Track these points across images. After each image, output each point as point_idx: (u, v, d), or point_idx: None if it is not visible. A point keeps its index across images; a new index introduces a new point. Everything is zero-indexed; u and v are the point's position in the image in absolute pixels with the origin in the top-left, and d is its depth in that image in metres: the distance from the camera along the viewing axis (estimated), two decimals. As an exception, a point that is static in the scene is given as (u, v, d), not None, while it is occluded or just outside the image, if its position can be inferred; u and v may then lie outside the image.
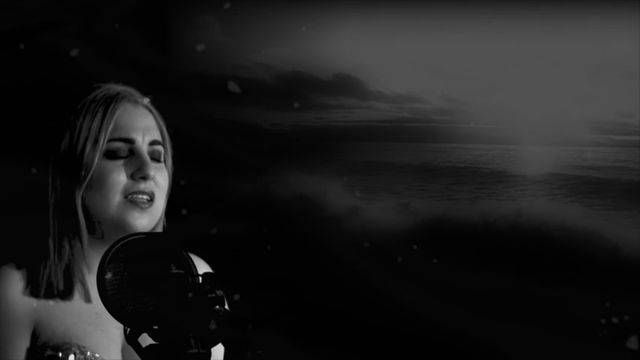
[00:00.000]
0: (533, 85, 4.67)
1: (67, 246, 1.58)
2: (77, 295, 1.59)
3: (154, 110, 1.69)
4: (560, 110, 4.75)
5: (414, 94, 4.93)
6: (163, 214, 1.69)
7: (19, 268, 1.58)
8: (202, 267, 1.73)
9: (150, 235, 1.30)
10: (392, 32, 4.41)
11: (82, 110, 1.61)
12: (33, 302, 1.56)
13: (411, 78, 4.73)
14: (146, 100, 1.68)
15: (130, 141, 1.61)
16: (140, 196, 1.59)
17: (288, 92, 4.53)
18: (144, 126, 1.63)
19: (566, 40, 4.47)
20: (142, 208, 1.59)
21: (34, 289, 1.56)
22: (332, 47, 4.37)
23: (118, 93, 1.65)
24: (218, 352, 1.59)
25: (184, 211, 1.98)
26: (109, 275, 1.23)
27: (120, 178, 1.59)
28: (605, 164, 4.96)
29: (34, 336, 1.55)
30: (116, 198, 1.58)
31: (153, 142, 1.64)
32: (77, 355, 1.53)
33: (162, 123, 1.69)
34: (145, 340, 1.23)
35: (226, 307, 1.24)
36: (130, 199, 1.59)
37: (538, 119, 4.77)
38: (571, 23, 4.41)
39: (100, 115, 1.60)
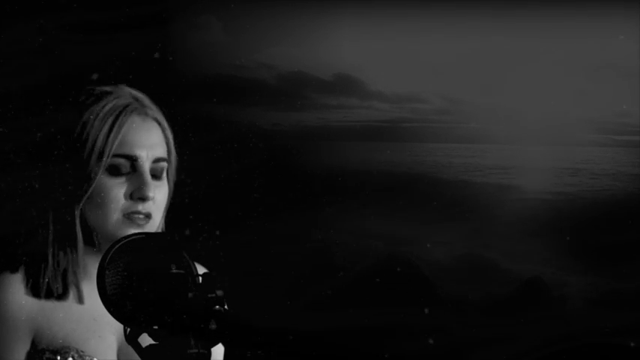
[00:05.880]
0: (533, 85, 4.67)
1: (62, 254, 1.58)
2: (72, 298, 1.58)
3: (163, 122, 1.65)
4: (560, 110, 4.75)
5: (414, 94, 4.93)
6: (162, 223, 1.68)
7: (15, 273, 1.57)
8: (200, 268, 1.73)
9: (150, 235, 1.30)
10: (392, 32, 4.41)
11: (88, 122, 1.58)
12: (33, 308, 1.55)
13: (411, 78, 4.74)
14: (156, 112, 1.64)
15: (133, 158, 1.58)
16: (137, 216, 1.58)
17: (288, 92, 4.53)
18: (150, 143, 1.61)
19: (566, 40, 4.47)
20: (138, 225, 1.58)
21: (34, 289, 1.56)
22: (332, 47, 4.37)
23: (128, 105, 1.61)
24: (218, 352, 1.59)
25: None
26: (109, 275, 1.23)
27: (119, 196, 1.57)
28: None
29: (34, 342, 1.55)
30: (115, 215, 1.57)
31: (157, 160, 1.61)
32: (75, 359, 1.53)
33: (170, 136, 1.65)
34: (145, 340, 1.23)
35: (226, 307, 1.24)
36: (128, 217, 1.58)
37: (538, 119, 4.77)
38: (571, 23, 4.41)
39: (106, 128, 1.58)
